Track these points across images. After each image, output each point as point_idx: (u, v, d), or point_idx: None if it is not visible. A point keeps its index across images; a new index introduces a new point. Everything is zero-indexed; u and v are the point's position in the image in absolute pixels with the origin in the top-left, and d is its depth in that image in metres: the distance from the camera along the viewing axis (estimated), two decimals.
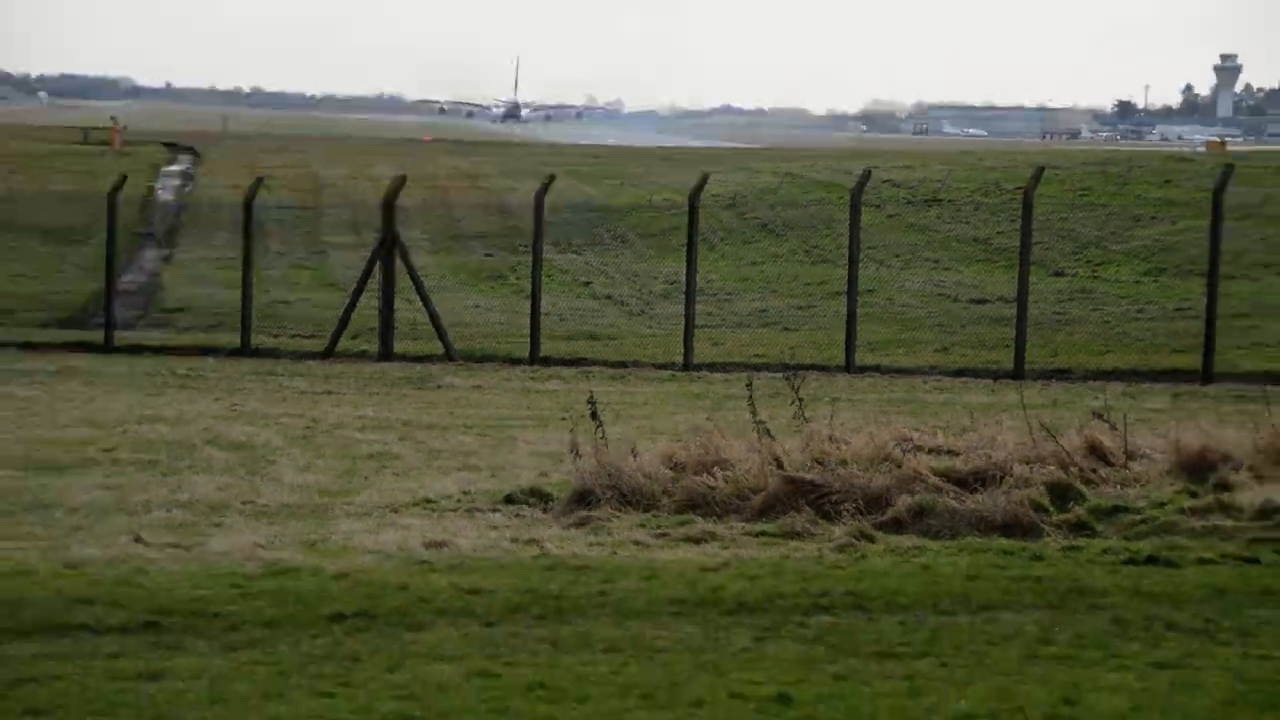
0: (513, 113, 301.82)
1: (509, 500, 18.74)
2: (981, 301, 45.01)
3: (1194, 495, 18.33)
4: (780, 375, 31.43)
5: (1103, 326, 40.71)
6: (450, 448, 23.01)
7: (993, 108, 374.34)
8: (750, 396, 19.80)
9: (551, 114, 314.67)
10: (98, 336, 36.90)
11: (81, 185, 67.33)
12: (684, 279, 35.64)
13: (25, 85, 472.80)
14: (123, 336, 37.30)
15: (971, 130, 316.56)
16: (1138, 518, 17.88)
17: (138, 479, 19.77)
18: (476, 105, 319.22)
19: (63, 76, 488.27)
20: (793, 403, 20.93)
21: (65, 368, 32.11)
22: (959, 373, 33.45)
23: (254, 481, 19.76)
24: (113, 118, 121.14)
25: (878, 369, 33.72)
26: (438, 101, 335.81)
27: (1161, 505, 18.09)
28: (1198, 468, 19.02)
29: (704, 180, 36.14)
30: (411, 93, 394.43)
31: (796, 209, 61.91)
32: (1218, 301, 33.46)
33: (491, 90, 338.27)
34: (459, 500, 18.87)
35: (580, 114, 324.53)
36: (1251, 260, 47.85)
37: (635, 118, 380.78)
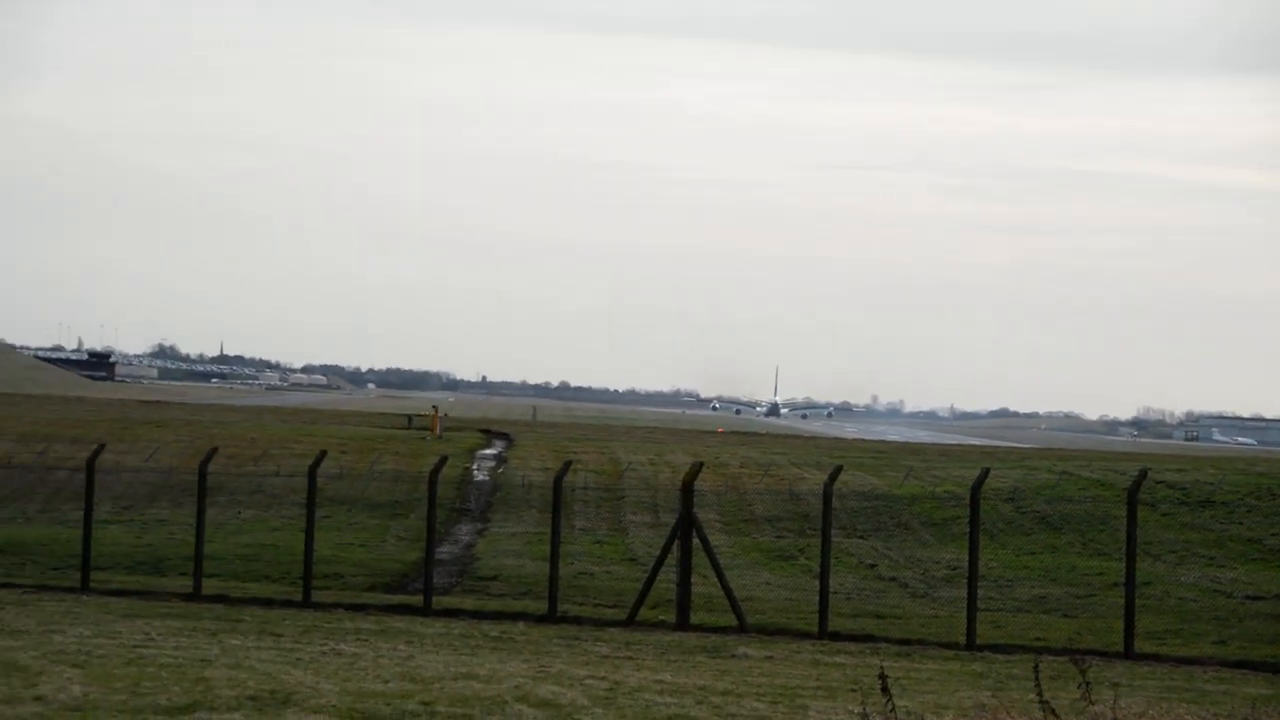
0: (773, 411, 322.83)
1: None
2: (1257, 598, 43.53)
3: None
4: (1061, 659, 30.60)
5: None
6: (744, 713, 22.65)
7: (1261, 419, 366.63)
8: (1037, 678, 19.26)
9: (807, 413, 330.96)
10: (417, 600, 37.27)
11: (405, 466, 68.74)
12: (966, 564, 35.02)
13: (357, 378, 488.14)
14: (440, 601, 37.62)
15: (1241, 439, 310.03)
16: None
17: None
18: (744, 404, 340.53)
19: (389, 370, 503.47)
20: (1079, 685, 20.30)
21: (387, 628, 32.43)
22: (1238, 664, 32.20)
23: None
24: (433, 406, 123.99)
25: (1156, 657, 32.62)
26: (710, 400, 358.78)
27: None
28: None
29: (985, 474, 35.69)
30: (705, 390, 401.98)
31: (1073, 504, 60.79)
32: None
33: (759, 390, 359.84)
34: None
35: (830, 413, 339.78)
36: None
37: (916, 416, 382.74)
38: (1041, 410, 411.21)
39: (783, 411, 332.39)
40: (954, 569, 46.71)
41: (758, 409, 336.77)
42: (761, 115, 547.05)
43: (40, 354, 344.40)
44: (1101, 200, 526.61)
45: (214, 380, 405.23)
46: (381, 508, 58.16)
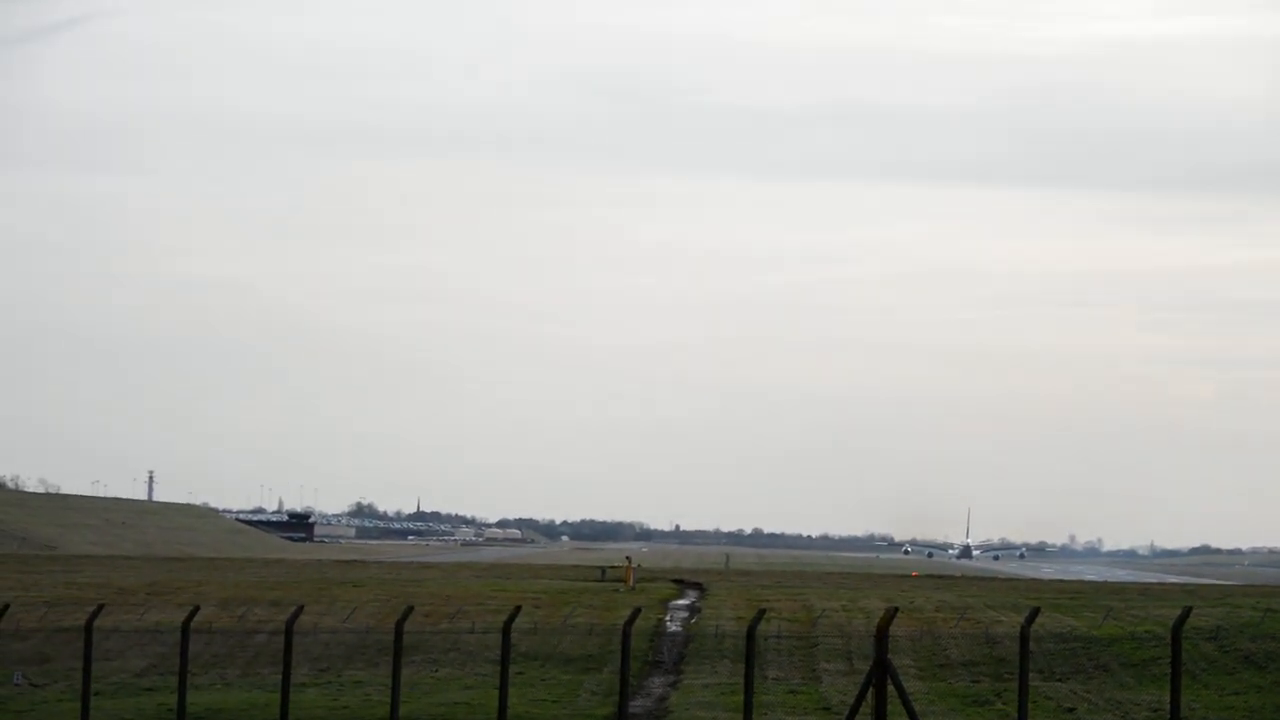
0: (965, 553, 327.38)
1: None
2: None
3: None
4: None
5: None
6: None
7: None
8: None
9: (999, 554, 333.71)
10: None
11: (599, 618, 68.77)
12: (1168, 706, 34.22)
13: (551, 531, 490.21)
14: None
15: None
16: None
17: None
18: (936, 546, 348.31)
19: (582, 522, 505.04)
20: None
21: None
22: None
23: None
24: (627, 558, 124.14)
25: None
26: (903, 544, 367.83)
27: None
28: None
29: (1186, 613, 34.90)
30: (898, 533, 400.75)
31: (1279, 642, 59.23)
32: None
33: (951, 532, 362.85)
34: None
35: (1023, 554, 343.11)
36: None
37: (1115, 555, 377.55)
38: (1244, 546, 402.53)
39: (975, 553, 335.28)
40: (1155, 710, 45.67)
41: (950, 551, 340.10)
42: (948, 252, 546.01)
43: (241, 516, 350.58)
44: None
45: (410, 538, 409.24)
46: (575, 662, 58.13)
